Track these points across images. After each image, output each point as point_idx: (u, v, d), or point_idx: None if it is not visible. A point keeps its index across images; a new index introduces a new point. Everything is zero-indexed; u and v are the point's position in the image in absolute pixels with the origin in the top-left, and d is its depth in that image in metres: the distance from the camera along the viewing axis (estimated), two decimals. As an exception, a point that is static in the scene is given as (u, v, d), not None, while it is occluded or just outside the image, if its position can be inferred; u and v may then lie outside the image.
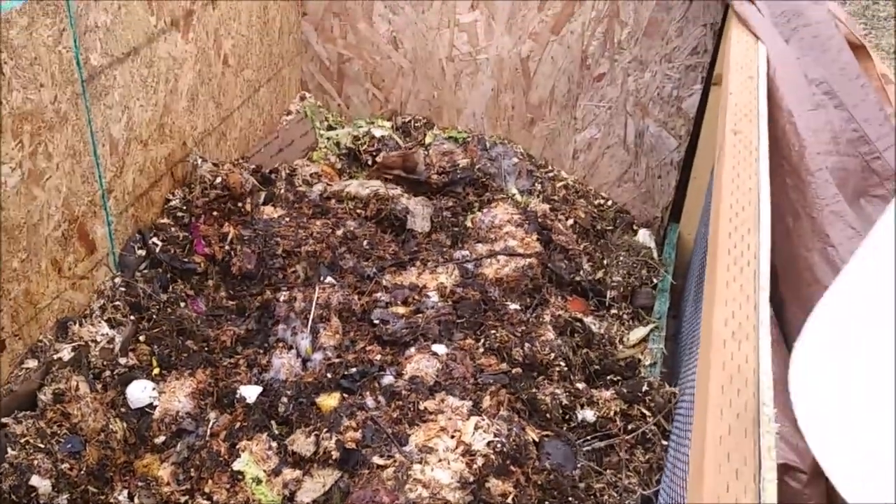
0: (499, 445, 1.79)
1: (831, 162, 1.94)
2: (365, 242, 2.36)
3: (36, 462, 1.71)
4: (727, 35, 2.47)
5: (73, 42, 1.78)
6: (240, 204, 2.33)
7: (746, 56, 2.02)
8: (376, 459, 1.77)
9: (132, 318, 2.07)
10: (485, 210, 2.65)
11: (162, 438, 1.90)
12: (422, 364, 2.00)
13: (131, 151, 2.09)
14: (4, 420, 1.78)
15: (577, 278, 2.52)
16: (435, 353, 2.03)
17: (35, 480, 1.70)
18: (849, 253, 1.87)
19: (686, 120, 2.77)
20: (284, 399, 1.96)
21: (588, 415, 2.06)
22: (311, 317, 2.09)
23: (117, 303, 2.05)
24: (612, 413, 2.07)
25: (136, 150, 2.11)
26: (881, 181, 2.15)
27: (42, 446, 1.74)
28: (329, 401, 1.94)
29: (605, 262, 2.70)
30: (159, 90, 2.15)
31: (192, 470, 1.83)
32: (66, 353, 1.91)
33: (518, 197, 2.83)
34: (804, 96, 1.99)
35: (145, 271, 2.16)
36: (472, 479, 1.73)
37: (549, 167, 2.99)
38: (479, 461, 1.75)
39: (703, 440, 1.01)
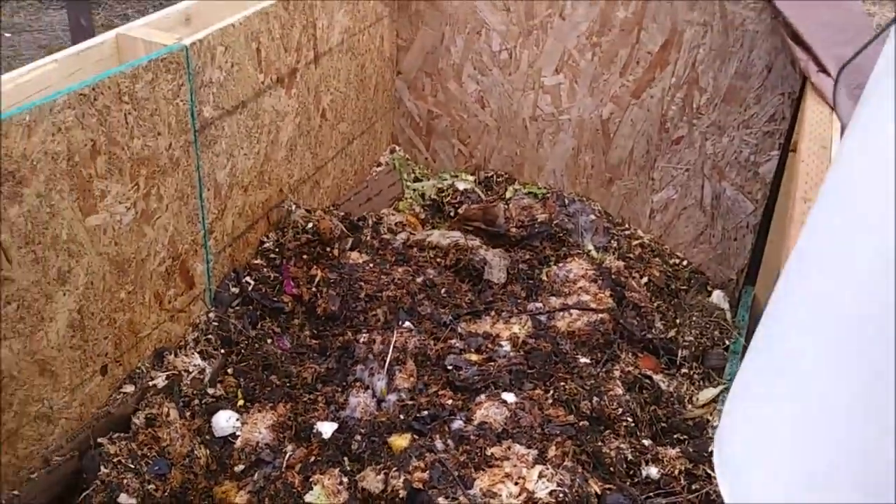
0: (561, 495, 1.84)
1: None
2: (443, 290, 2.47)
3: (125, 481, 1.85)
4: (804, 104, 2.52)
5: (189, 96, 1.96)
6: (328, 248, 2.47)
7: (820, 126, 2.06)
8: (441, 500, 1.84)
9: (222, 351, 2.21)
10: (560, 264, 2.72)
11: (241, 467, 2.02)
12: (491, 411, 2.07)
13: (232, 196, 2.26)
14: (100, 440, 1.93)
15: (649, 336, 2.56)
16: (504, 402, 2.10)
17: (123, 498, 1.84)
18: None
19: (763, 184, 2.80)
20: (358, 437, 2.06)
21: (652, 471, 2.09)
22: (388, 359, 2.20)
23: (210, 336, 2.21)
24: (676, 471, 2.09)
25: (237, 194, 2.28)
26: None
27: (132, 466, 1.88)
28: (400, 441, 2.03)
29: (677, 321, 2.73)
30: (262, 140, 2.33)
31: (266, 500, 1.94)
32: (160, 380, 2.06)
33: (594, 253, 2.89)
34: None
35: (237, 308, 2.31)
36: (533, 526, 1.79)
37: (626, 225, 3.05)
38: (542, 509, 1.81)
39: None
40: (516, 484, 1.87)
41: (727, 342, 2.72)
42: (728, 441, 1.10)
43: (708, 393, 2.50)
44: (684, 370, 2.60)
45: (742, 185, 2.82)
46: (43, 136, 1.60)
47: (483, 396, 2.14)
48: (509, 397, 2.13)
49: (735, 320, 2.82)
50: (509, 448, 1.97)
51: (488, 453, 1.95)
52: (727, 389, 2.52)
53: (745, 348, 2.71)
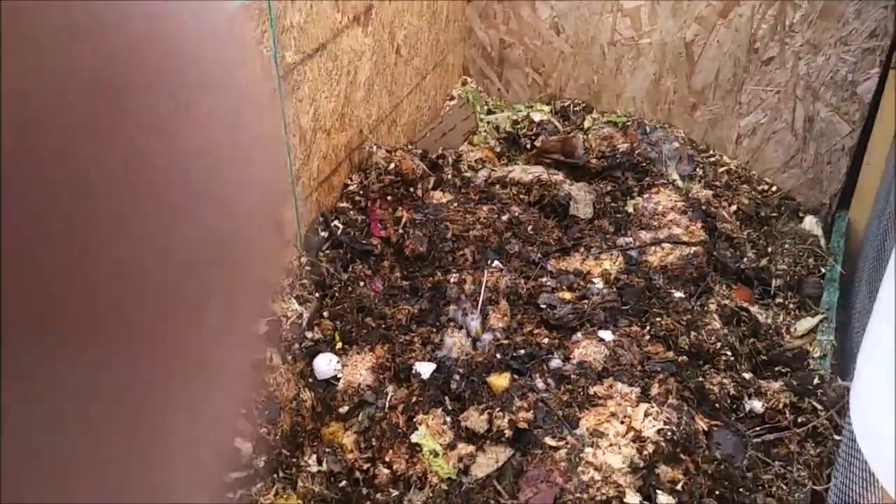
0: (669, 433, 1.83)
1: None
2: (529, 228, 2.43)
3: (238, 426, 1.89)
4: (913, 16, 2.37)
5: (272, 42, 1.92)
6: (411, 189, 2.45)
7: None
8: (548, 440, 1.84)
9: (317, 295, 2.22)
10: (646, 196, 2.66)
11: (345, 408, 2.04)
12: (589, 349, 2.05)
13: (317, 140, 2.24)
14: (210, 386, 1.97)
15: (742, 266, 2.49)
16: (602, 339, 2.08)
17: (238, 443, 1.88)
18: None
19: (861, 105, 2.67)
20: (457, 377, 2.07)
21: (756, 405, 2.06)
22: (480, 299, 2.18)
23: (304, 281, 2.21)
24: (780, 405, 2.06)
25: (321, 139, 2.26)
26: None
27: (243, 411, 1.92)
28: (500, 381, 2.03)
29: (769, 250, 2.66)
30: (342, 82, 2.29)
31: (373, 440, 1.97)
32: (261, 326, 2.08)
33: (679, 182, 2.81)
34: None
35: (328, 252, 2.31)
36: (642, 464, 1.78)
37: (711, 152, 2.95)
38: (650, 448, 1.80)
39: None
40: (622, 423, 1.86)
41: (822, 270, 2.64)
42: (865, 407, 1.07)
43: (806, 323, 2.44)
44: (779, 300, 2.53)
45: (838, 107, 2.70)
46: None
47: (579, 334, 2.12)
48: (606, 335, 2.10)
49: (830, 247, 2.74)
50: (611, 386, 1.95)
51: (591, 392, 1.94)
52: (826, 319, 2.46)
53: (842, 276, 2.64)
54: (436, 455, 1.93)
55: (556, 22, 2.96)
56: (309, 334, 2.17)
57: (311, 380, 2.08)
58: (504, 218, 2.44)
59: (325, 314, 2.21)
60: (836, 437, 2.05)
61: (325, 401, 2.06)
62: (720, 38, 2.73)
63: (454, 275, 2.28)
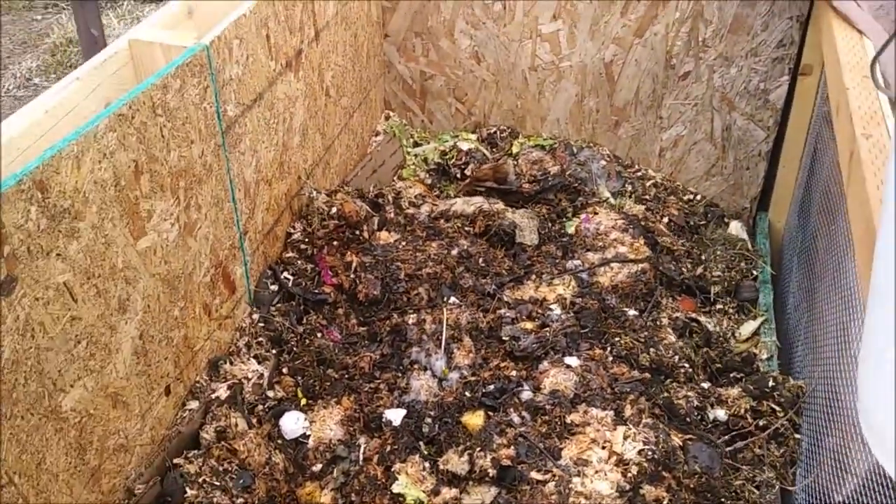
0: (649, 453, 1.86)
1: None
2: (480, 260, 2.43)
3: (215, 500, 1.81)
4: (818, 29, 2.51)
5: (214, 97, 1.86)
6: (357, 231, 2.41)
7: (855, 54, 2.05)
8: (534, 475, 1.84)
9: (273, 351, 2.16)
10: (584, 216, 2.71)
11: (319, 466, 1.99)
12: (559, 378, 2.07)
13: (260, 192, 2.18)
14: (176, 461, 1.88)
15: (684, 278, 2.57)
16: (569, 366, 2.10)
17: (217, 516, 1.80)
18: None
19: (774, 111, 2.81)
20: (429, 420, 2.04)
21: (720, 414, 2.12)
22: (443, 338, 2.17)
23: (260, 339, 2.15)
24: (742, 411, 2.12)
25: (264, 190, 2.20)
26: None
27: (217, 484, 1.84)
28: (474, 419, 2.02)
29: (703, 257, 2.75)
30: (279, 130, 2.24)
31: (352, 495, 1.92)
32: (222, 391, 2.01)
33: (611, 200, 2.88)
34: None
35: (279, 305, 2.25)
36: (628, 487, 1.80)
37: (637, 167, 3.04)
38: (633, 469, 1.82)
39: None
40: (604, 448, 1.88)
41: (755, 272, 2.76)
42: (874, 411, 1.11)
43: (749, 326, 2.53)
44: (719, 306, 2.62)
45: (752, 114, 2.82)
46: (91, 164, 1.50)
47: (546, 363, 2.13)
48: (572, 361, 2.12)
49: (756, 248, 2.86)
50: (586, 412, 1.97)
51: (567, 421, 1.95)
52: (766, 320, 2.56)
53: (773, 276, 2.76)
54: (421, 503, 1.90)
55: (475, 51, 2.98)
56: (270, 393, 2.10)
57: (280, 441, 2.01)
58: (454, 252, 2.44)
59: (285, 370, 2.15)
60: (797, 437, 2.13)
61: (296, 461, 2.00)
62: (637, 56, 2.82)
63: (412, 315, 2.25)
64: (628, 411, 1.99)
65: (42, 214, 1.41)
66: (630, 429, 1.91)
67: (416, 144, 3.17)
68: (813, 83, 2.65)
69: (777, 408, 2.13)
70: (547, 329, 2.22)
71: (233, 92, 1.96)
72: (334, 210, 2.40)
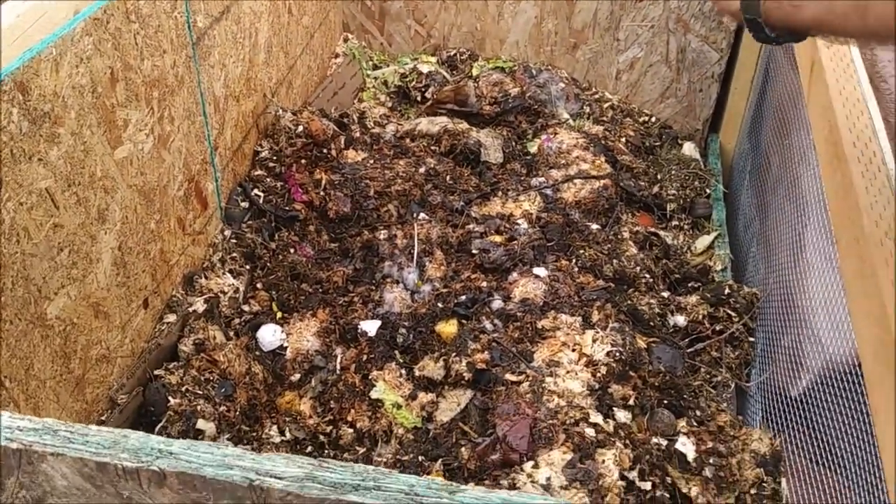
0: (617, 354, 1.95)
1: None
2: (447, 178, 2.47)
3: (199, 407, 1.84)
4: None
5: (185, 7, 1.84)
6: (325, 150, 2.42)
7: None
8: (509, 376, 1.92)
9: (247, 267, 2.18)
10: (546, 136, 2.76)
11: (297, 376, 2.03)
12: (528, 287, 2.14)
13: (229, 108, 2.17)
14: (157, 373, 1.90)
15: (643, 195, 2.65)
16: (538, 276, 2.17)
17: (201, 424, 1.83)
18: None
19: (727, 33, 2.88)
20: (403, 330, 2.10)
21: (679, 320, 2.23)
22: (415, 252, 2.21)
23: (233, 254, 2.16)
24: (700, 316, 2.23)
25: (232, 105, 2.19)
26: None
27: (200, 392, 1.87)
28: (448, 328, 2.08)
29: (658, 176, 2.84)
30: (245, 45, 2.21)
31: (331, 402, 1.97)
32: (199, 305, 2.02)
33: (570, 122, 2.93)
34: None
35: (251, 222, 2.26)
36: (597, 386, 1.90)
37: (594, 89, 3.09)
38: (602, 370, 1.91)
39: (889, 333, 1.16)
40: (574, 350, 1.96)
41: (708, 191, 2.86)
42: None
43: (704, 240, 2.64)
44: (675, 222, 2.73)
45: (707, 36, 2.89)
46: (69, 69, 1.48)
47: (515, 274, 2.20)
48: (540, 272, 2.19)
49: (709, 168, 2.96)
50: (556, 318, 2.05)
51: (538, 326, 2.03)
52: (720, 235, 2.67)
53: (725, 194, 2.86)
54: (399, 407, 1.96)
55: (435, -29, 2.97)
56: (246, 307, 2.12)
57: (257, 353, 2.05)
58: (421, 170, 2.47)
59: (259, 285, 2.17)
60: (751, 339, 2.26)
61: (275, 371, 2.04)
62: (596, -22, 2.84)
63: (383, 231, 2.29)
64: (595, 317, 2.07)
65: (24, 117, 1.39)
66: (598, 332, 2.00)
67: (375, 67, 3.16)
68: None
69: (733, 313, 2.25)
70: (515, 242, 2.28)
71: (202, 3, 1.93)
72: (301, 128, 2.40)
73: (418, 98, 3.04)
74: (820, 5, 1.10)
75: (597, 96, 3.08)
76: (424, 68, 3.09)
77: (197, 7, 1.91)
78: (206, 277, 2.09)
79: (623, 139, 2.90)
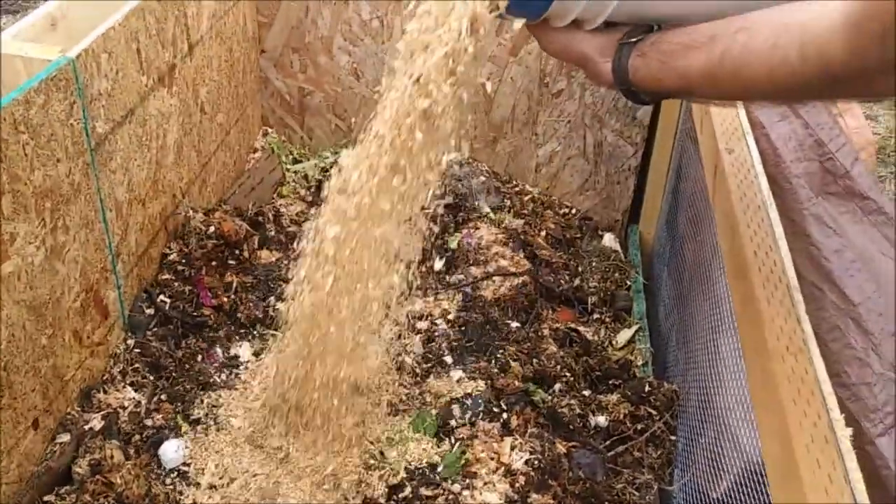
0: (536, 462, 1.90)
1: (801, 168, 2.12)
2: (364, 277, 2.41)
3: (92, 538, 1.72)
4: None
5: (82, 113, 1.78)
6: (237, 251, 2.35)
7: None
8: (424, 491, 1.84)
9: (151, 378, 2.07)
10: (465, 231, 2.74)
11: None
12: (445, 391, 2.08)
13: (133, 212, 2.10)
14: (46, 499, 1.77)
15: (562, 289, 2.64)
16: (456, 380, 2.12)
17: (92, 556, 1.71)
18: (830, 251, 2.07)
19: (641, 128, 2.94)
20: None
21: (601, 420, 2.19)
22: (328, 357, 2.14)
23: (136, 365, 2.06)
24: (621, 416, 2.20)
25: (137, 210, 2.12)
26: (834, 179, 2.36)
27: (96, 521, 1.75)
28: (363, 438, 2.00)
29: (579, 269, 2.84)
30: (152, 147, 2.16)
31: (238, 522, 1.86)
32: (96, 422, 1.91)
33: (491, 215, 2.93)
34: (770, 109, 2.17)
35: (156, 330, 2.16)
36: (516, 497, 1.83)
37: (515, 182, 3.11)
38: (521, 479, 1.86)
39: (789, 451, 1.14)
40: (492, 459, 1.90)
41: (628, 282, 2.87)
42: None
43: (625, 334, 2.63)
44: (596, 315, 2.71)
45: (622, 131, 2.95)
46: (-54, 185, 1.40)
47: (431, 379, 2.14)
48: (458, 374, 2.14)
49: (629, 259, 2.98)
50: (474, 425, 1.99)
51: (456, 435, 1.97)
52: (640, 328, 2.67)
53: (645, 286, 2.88)
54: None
55: (354, 67, 2.98)
56: (148, 422, 2.01)
57: (159, 471, 1.93)
58: (336, 270, 2.41)
59: (164, 397, 2.06)
60: (672, 438, 2.23)
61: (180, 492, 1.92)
62: (513, 75, 2.89)
63: (296, 335, 2.21)
64: (514, 422, 2.02)
65: None
66: (517, 439, 1.94)
67: (295, 161, 3.13)
68: (676, 101, 2.79)
69: (654, 411, 2.22)
70: (433, 343, 2.23)
71: (102, 108, 1.87)
72: (212, 229, 2.33)
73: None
74: (678, 78, 1.22)
75: (517, 189, 3.09)
76: (345, 162, 3.06)
77: (96, 112, 1.85)
78: (105, 391, 1.98)
79: (543, 232, 2.91)
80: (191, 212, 2.34)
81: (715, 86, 1.19)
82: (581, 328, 2.54)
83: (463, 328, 2.32)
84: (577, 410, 2.17)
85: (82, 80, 1.77)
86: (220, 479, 1.90)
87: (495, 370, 2.20)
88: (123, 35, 1.93)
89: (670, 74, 1.23)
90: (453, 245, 2.71)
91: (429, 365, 2.19)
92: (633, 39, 1.28)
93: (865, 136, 2.57)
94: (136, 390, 2.01)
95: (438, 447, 1.96)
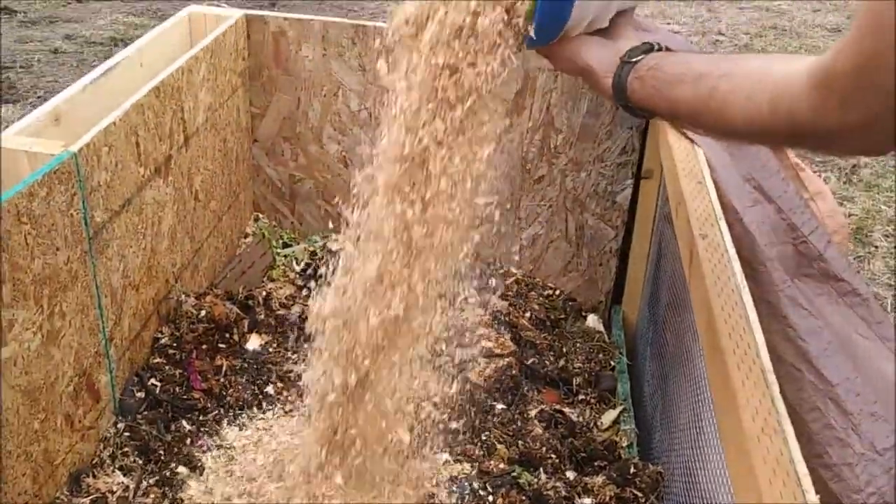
0: (522, 545, 1.91)
1: (776, 251, 2.20)
2: (352, 359, 2.46)
3: None
4: (655, 137, 2.77)
5: (82, 204, 1.85)
6: (227, 335, 2.40)
7: (689, 161, 2.28)
8: (412, 574, 1.85)
9: (140, 462, 2.09)
10: (451, 314, 2.79)
11: (189, 581, 1.92)
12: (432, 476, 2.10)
13: (127, 298, 2.15)
14: (33, 586, 1.77)
15: (547, 370, 2.69)
16: (442, 463, 2.14)
17: None
18: (807, 332, 2.14)
19: (621, 211, 3.04)
20: (304, 524, 2.02)
21: (587, 502, 2.21)
22: (317, 440, 2.16)
23: (125, 449, 2.07)
24: (607, 498, 2.22)
25: (131, 295, 2.17)
26: (809, 262, 2.44)
27: None
28: (350, 521, 2.01)
29: (564, 350, 2.89)
30: (147, 235, 2.22)
31: None
32: (84, 507, 1.92)
33: (476, 296, 2.99)
34: (743, 194, 2.27)
35: (146, 413, 2.18)
36: (503, 581, 1.84)
37: (499, 264, 3.18)
38: (508, 563, 1.87)
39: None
40: (479, 544, 1.91)
41: (612, 363, 2.92)
42: None
43: (610, 415, 2.67)
44: (581, 396, 2.75)
45: (602, 215, 3.04)
46: (-50, 275, 1.46)
47: (415, 462, 2.16)
48: (443, 457, 2.17)
49: (612, 340, 3.03)
50: (460, 508, 2.01)
51: (443, 518, 1.98)
52: (625, 409, 2.71)
53: (629, 366, 2.93)
54: None
55: (343, 155, 3.09)
56: (138, 506, 2.02)
57: (146, 557, 1.93)
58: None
59: (153, 481, 2.07)
60: (658, 519, 2.25)
61: (165, 577, 1.92)
62: (495, 161, 2.99)
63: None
64: (501, 505, 2.04)
65: None
66: (503, 522, 1.96)
67: (285, 245, 3.20)
68: (654, 186, 2.90)
69: (639, 493, 2.24)
70: (420, 426, 2.25)
71: (101, 198, 1.95)
72: (203, 313, 2.38)
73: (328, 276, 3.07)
74: (668, 107, 1.38)
75: (502, 271, 3.17)
76: (334, 246, 3.13)
77: (95, 202, 1.93)
78: (94, 475, 1.99)
79: (528, 313, 2.97)
80: (183, 296, 2.40)
81: (698, 121, 1.35)
82: (566, 409, 2.58)
83: (450, 410, 2.34)
84: (563, 493, 2.19)
85: (83, 173, 1.84)
86: (208, 564, 1.90)
87: (481, 453, 2.22)
88: (123, 129, 2.02)
89: (662, 102, 1.38)
90: (440, 327, 2.76)
91: (413, 447, 2.21)
92: (633, 60, 1.41)
93: (838, 219, 2.66)
94: (124, 474, 2.02)
95: (426, 530, 1.98)
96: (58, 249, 1.78)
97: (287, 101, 3.04)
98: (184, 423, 2.21)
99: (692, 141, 2.42)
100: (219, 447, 2.19)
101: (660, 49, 1.47)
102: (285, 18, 2.94)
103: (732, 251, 1.84)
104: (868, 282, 4.38)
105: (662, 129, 2.59)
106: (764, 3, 8.41)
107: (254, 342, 2.47)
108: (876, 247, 4.62)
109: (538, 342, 2.75)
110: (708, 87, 1.27)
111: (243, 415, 2.28)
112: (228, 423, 2.26)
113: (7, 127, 1.91)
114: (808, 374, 2.20)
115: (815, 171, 5.25)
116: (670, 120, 1.67)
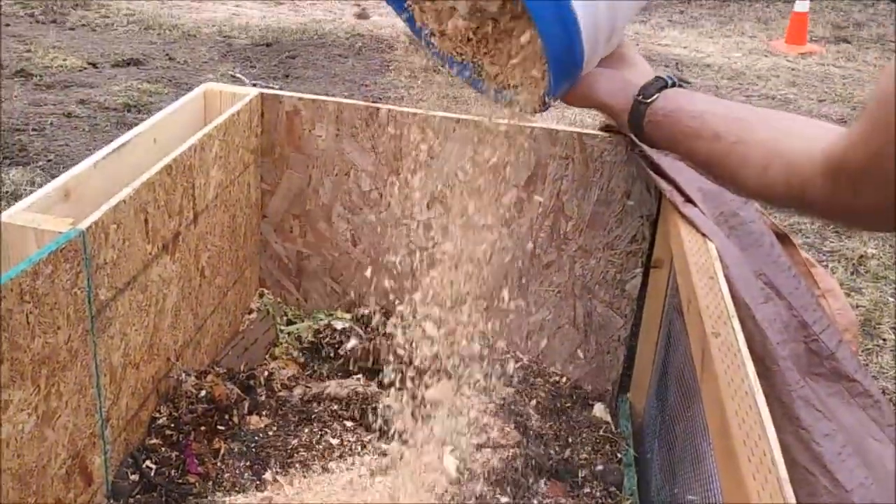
0: None
1: (788, 349, 2.17)
2: (347, 451, 2.40)
3: None
4: (666, 227, 2.76)
5: (86, 282, 1.83)
6: (227, 416, 2.34)
7: (700, 255, 2.26)
8: None
9: (130, 549, 2.02)
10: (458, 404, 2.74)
11: None
12: (432, 572, 2.03)
13: (126, 376, 2.11)
14: None
15: (553, 462, 2.62)
16: (443, 559, 2.07)
17: None
18: (820, 435, 2.08)
19: (630, 300, 3.01)
20: None
21: None
22: (313, 531, 2.10)
23: (115, 535, 2.01)
24: None
25: (131, 374, 2.13)
26: (820, 360, 2.40)
27: None
28: None
29: (569, 440, 2.82)
30: (151, 312, 2.20)
31: None
32: None
33: (482, 382, 2.94)
34: (755, 290, 2.24)
35: (139, 496, 2.12)
36: None
37: (506, 349, 3.14)
38: None
39: None
40: None
41: (619, 455, 2.84)
42: None
43: (616, 511, 2.59)
44: (587, 489, 2.67)
45: (611, 302, 3.01)
46: (-53, 356, 1.43)
47: (418, 556, 2.09)
48: (445, 553, 2.09)
49: (619, 431, 2.96)
50: None
51: None
52: (632, 504, 2.63)
53: (636, 458, 2.85)
54: None
55: (352, 234, 3.08)
56: None
57: None
58: (326, 439, 2.40)
59: (142, 570, 2.00)
60: None
61: None
62: (505, 245, 2.98)
63: (281, 506, 2.18)
64: None
65: None
66: None
67: (289, 322, 3.17)
68: (664, 275, 2.87)
69: None
70: (420, 519, 2.19)
71: (106, 276, 1.93)
72: (203, 393, 2.33)
73: (332, 354, 3.03)
74: (684, 154, 1.57)
75: (508, 356, 3.12)
76: (339, 324, 3.11)
77: (100, 280, 1.90)
78: (81, 564, 1.92)
79: (534, 401, 2.91)
80: (183, 375, 2.35)
81: (712, 174, 1.46)
82: (571, 502, 2.50)
83: (452, 503, 2.28)
84: None
85: (90, 251, 1.83)
86: None
87: (484, 549, 2.14)
88: (133, 206, 2.01)
89: (678, 149, 1.50)
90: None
91: (416, 542, 2.13)
92: (648, 100, 1.48)
93: (848, 316, 2.63)
94: (113, 563, 1.95)
95: None
96: (59, 328, 1.75)
97: (298, 178, 3.05)
98: (177, 508, 2.14)
99: (704, 235, 2.41)
100: (212, 535, 2.12)
101: (673, 84, 1.51)
102: (300, 98, 2.97)
103: (745, 351, 1.81)
104: (876, 375, 4.32)
105: (673, 219, 2.58)
106: (771, 91, 8.55)
107: (254, 424, 2.41)
108: (884, 339, 4.56)
109: (544, 432, 2.68)
110: (723, 150, 1.35)
111: (239, 501, 2.21)
112: (223, 510, 2.19)
113: (14, 189, 1.91)
114: (822, 478, 2.13)
115: (821, 262, 5.23)
116: (684, 162, 1.77)
